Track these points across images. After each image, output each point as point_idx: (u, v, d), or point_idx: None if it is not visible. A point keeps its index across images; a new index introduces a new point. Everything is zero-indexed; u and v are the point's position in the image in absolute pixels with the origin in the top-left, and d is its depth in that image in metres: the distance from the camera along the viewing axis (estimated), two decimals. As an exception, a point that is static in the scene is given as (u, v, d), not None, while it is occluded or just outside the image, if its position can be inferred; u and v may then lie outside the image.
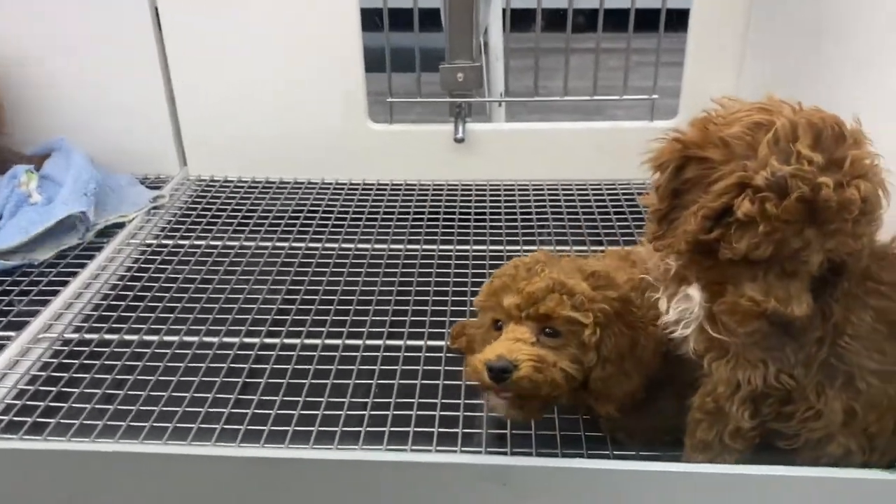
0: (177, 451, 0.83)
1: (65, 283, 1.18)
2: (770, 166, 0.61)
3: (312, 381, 0.98)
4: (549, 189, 1.50)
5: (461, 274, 1.22)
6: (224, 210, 1.43)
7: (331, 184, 1.53)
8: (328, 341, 1.06)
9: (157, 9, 1.43)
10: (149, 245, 1.31)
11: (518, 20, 1.54)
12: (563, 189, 1.50)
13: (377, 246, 1.31)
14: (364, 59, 1.46)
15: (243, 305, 1.14)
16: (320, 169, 1.54)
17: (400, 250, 1.30)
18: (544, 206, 1.44)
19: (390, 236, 1.34)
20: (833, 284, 0.68)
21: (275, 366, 1.01)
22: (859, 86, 1.03)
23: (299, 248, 1.30)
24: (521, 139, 1.55)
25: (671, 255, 0.72)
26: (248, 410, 0.92)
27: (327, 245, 1.31)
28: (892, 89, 0.95)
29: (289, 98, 1.49)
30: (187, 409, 0.92)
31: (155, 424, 0.89)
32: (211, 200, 1.47)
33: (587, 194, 1.48)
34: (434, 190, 1.51)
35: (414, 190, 1.51)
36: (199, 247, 1.31)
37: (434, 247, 1.31)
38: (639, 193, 0.68)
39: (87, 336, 1.06)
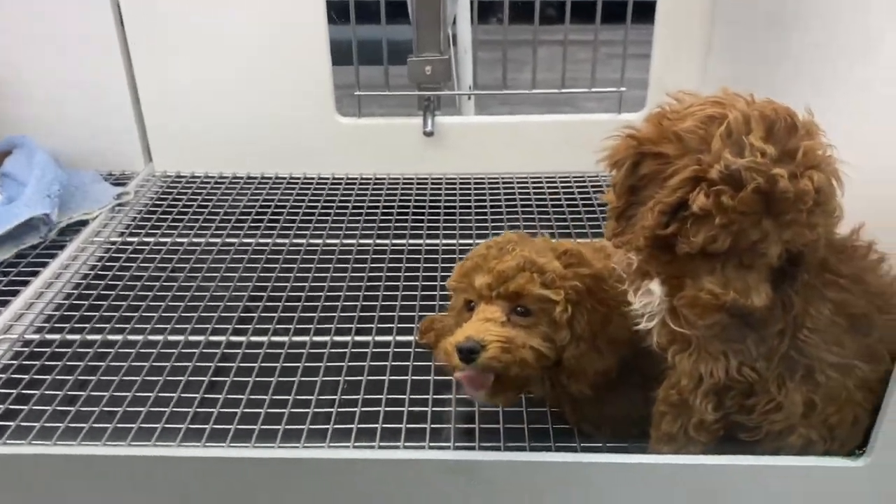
0: (140, 453, 0.82)
1: (26, 283, 1.16)
2: (724, 159, 0.61)
3: (280, 378, 0.97)
4: (518, 182, 1.50)
5: (430, 269, 1.21)
6: (190, 206, 1.41)
7: (298, 178, 1.52)
8: (296, 338, 1.05)
9: (118, 3, 1.41)
10: (113, 243, 1.29)
11: (486, 12, 1.53)
12: (533, 182, 1.50)
13: (346, 241, 1.30)
14: (331, 52, 1.45)
15: (209, 303, 1.12)
16: (288, 164, 1.53)
17: (369, 245, 1.29)
18: (514, 200, 1.44)
19: (359, 231, 1.34)
20: (792, 276, 0.69)
21: (241, 364, 1.00)
22: (817, 75, 1.04)
23: (266, 245, 1.29)
24: (490, 132, 1.55)
25: (632, 251, 0.72)
26: (214, 410, 0.91)
27: (295, 241, 1.30)
28: (852, 79, 0.96)
29: (255, 93, 1.48)
30: (151, 409, 0.91)
31: (118, 426, 0.88)
32: (177, 197, 1.45)
33: (556, 187, 1.48)
34: (403, 184, 1.50)
35: (383, 184, 1.50)
36: (164, 244, 1.29)
37: (403, 241, 1.30)
38: (608, 186, 0.69)
39: (49, 337, 1.04)
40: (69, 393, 0.94)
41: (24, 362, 0.99)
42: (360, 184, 1.50)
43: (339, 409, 0.92)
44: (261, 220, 1.37)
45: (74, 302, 1.12)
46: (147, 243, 1.29)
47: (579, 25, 1.50)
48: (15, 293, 1.13)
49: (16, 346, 1.03)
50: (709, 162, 0.62)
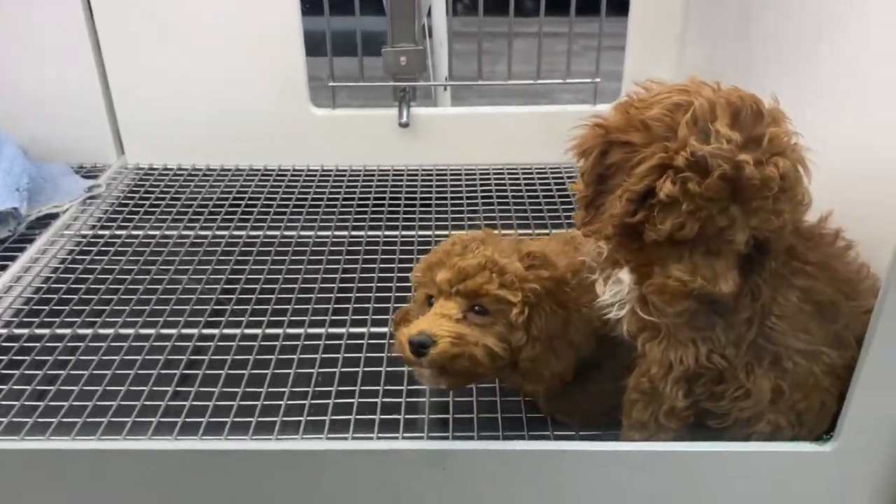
0: (110, 447, 0.81)
1: (-6, 277, 1.14)
2: (690, 146, 0.61)
3: (252, 371, 0.96)
4: (494, 173, 1.50)
5: (406, 260, 1.21)
6: (163, 199, 1.40)
7: (273, 170, 1.51)
8: (269, 331, 1.04)
9: (88, -7, 1.39)
10: (84, 236, 1.27)
11: (461, 3, 1.53)
12: (509, 172, 1.50)
13: (320, 233, 1.30)
14: (304, 42, 1.44)
15: (181, 296, 1.11)
16: (262, 155, 1.51)
17: (344, 237, 1.29)
18: (490, 190, 1.44)
19: (334, 223, 1.33)
20: (760, 264, 0.69)
21: (214, 357, 0.99)
22: (788, 63, 1.04)
23: (240, 237, 1.28)
24: (466, 123, 1.54)
25: (601, 240, 0.72)
26: (185, 403, 0.90)
27: (268, 233, 1.29)
28: (821, 68, 0.97)
29: (228, 84, 1.46)
30: (122, 402, 0.90)
31: (88, 420, 0.87)
32: (149, 189, 1.43)
33: (532, 177, 1.48)
34: (379, 175, 1.50)
35: (358, 175, 1.50)
36: (136, 237, 1.28)
37: (379, 233, 1.30)
38: (576, 175, 0.69)
39: (17, 331, 1.03)
40: (38, 388, 0.92)
41: (-8, 357, 0.98)
42: (335, 175, 1.50)
43: (313, 401, 0.91)
44: (234, 213, 1.36)
45: (44, 296, 1.11)
46: (119, 236, 1.28)
47: (555, 17, 1.50)
48: (-17, 287, 1.11)
49: (-16, 341, 1.01)
50: (675, 149, 0.62)
